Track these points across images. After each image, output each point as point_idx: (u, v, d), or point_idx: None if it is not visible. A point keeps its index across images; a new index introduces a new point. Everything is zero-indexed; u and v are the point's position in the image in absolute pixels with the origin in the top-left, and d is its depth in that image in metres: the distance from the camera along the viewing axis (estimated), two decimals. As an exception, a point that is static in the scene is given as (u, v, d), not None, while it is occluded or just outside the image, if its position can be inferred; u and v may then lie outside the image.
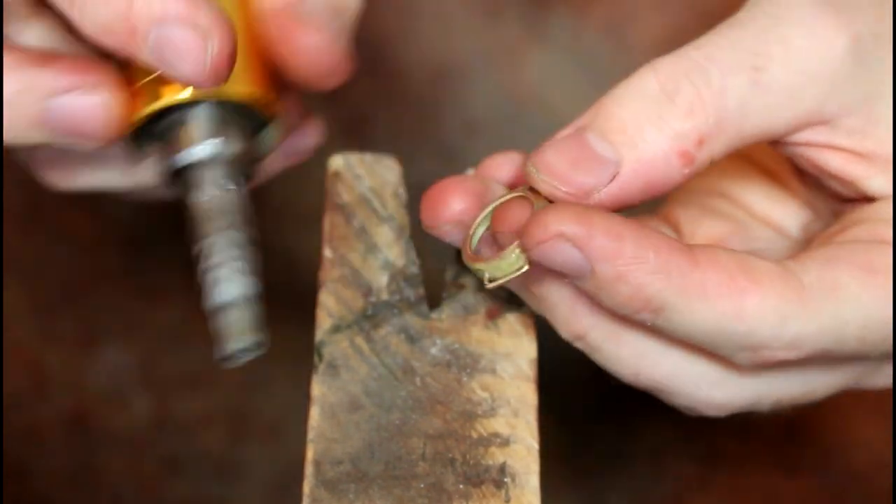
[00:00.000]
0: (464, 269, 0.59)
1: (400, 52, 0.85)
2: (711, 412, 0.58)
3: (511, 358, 0.59)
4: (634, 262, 0.52)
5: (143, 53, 0.53)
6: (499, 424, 0.57)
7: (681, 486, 0.92)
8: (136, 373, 0.93)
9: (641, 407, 0.92)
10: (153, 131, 0.56)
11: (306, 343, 0.60)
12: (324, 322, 0.59)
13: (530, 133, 0.56)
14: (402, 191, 0.62)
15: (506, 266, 0.53)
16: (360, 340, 0.59)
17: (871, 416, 0.91)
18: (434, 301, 0.60)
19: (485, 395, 0.58)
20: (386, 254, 0.61)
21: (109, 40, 0.53)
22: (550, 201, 0.54)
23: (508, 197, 0.55)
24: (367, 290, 0.60)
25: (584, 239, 0.51)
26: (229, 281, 0.53)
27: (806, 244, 0.59)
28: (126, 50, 0.53)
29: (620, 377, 0.57)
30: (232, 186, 0.55)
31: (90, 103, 0.54)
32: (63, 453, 0.92)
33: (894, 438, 0.89)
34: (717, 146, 0.53)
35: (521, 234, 0.52)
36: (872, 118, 0.55)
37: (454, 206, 0.56)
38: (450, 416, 0.57)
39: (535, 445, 0.57)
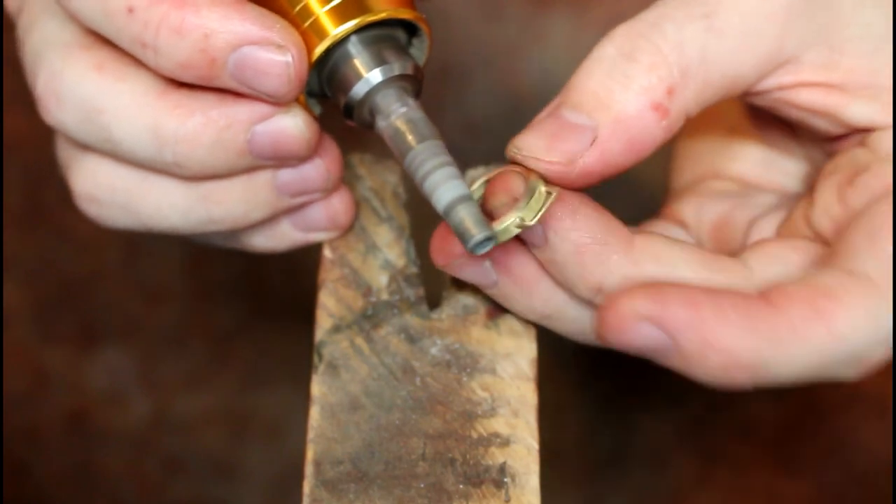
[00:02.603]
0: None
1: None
2: None
3: (511, 358, 0.59)
4: (717, 324, 0.52)
5: (223, 79, 0.54)
6: (499, 424, 0.57)
7: (681, 486, 0.92)
8: (136, 373, 0.93)
9: (641, 407, 0.92)
10: (319, 77, 0.57)
11: (306, 343, 0.60)
12: (324, 322, 0.59)
13: (530, 133, 0.56)
14: (402, 191, 0.62)
15: (499, 234, 0.54)
16: (360, 340, 0.59)
17: (872, 416, 0.91)
18: (434, 301, 0.60)
19: (485, 395, 0.58)
20: (386, 254, 0.61)
21: (188, 74, 0.54)
22: (542, 177, 0.55)
23: (500, 170, 0.56)
24: (367, 290, 0.60)
25: (660, 314, 0.52)
26: (446, 184, 0.54)
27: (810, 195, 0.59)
28: (204, 79, 0.54)
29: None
30: (412, 101, 0.56)
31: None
32: (63, 453, 0.92)
33: (894, 439, 0.89)
34: (688, 96, 0.54)
35: (597, 319, 0.53)
36: (835, 48, 0.56)
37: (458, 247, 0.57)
38: (450, 416, 0.57)
39: (535, 445, 0.57)
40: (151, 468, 0.93)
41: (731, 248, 0.61)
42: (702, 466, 0.92)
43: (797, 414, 0.91)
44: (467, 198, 0.54)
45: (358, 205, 0.62)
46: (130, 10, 0.54)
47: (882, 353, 0.54)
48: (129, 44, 0.55)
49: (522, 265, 0.57)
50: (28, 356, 0.92)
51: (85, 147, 0.58)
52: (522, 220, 0.54)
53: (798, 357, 0.53)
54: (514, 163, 0.56)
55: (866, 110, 0.56)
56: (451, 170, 0.54)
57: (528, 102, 0.88)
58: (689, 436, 0.92)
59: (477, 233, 0.53)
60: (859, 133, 0.57)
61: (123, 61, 0.56)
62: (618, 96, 0.54)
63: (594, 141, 0.54)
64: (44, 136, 0.62)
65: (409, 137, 0.55)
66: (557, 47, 0.88)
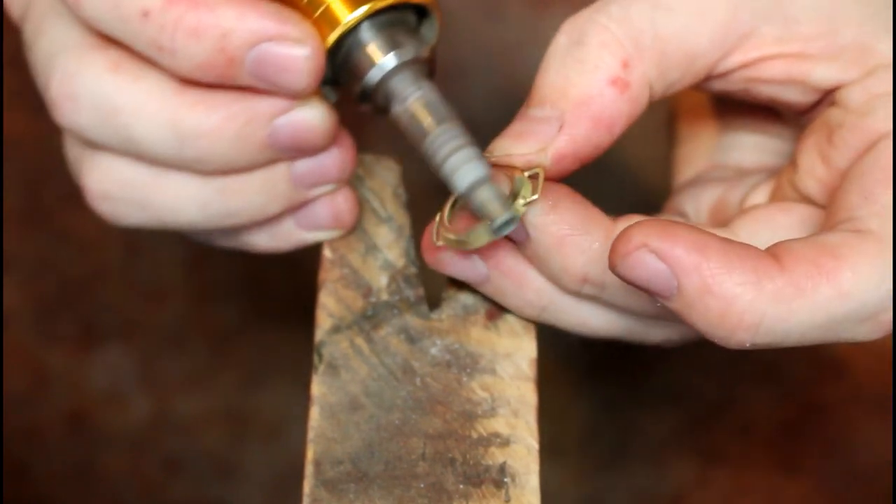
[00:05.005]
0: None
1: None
2: None
3: (511, 358, 0.59)
4: (721, 272, 0.52)
5: (241, 77, 0.54)
6: (499, 424, 0.57)
7: (681, 486, 0.92)
8: (136, 373, 0.93)
9: (642, 407, 0.92)
10: (332, 64, 0.57)
11: (306, 343, 0.60)
12: (324, 322, 0.59)
13: (530, 133, 0.56)
14: (401, 191, 0.62)
15: (485, 233, 0.54)
16: (360, 341, 0.59)
17: (872, 416, 0.91)
18: (434, 301, 0.60)
19: (485, 395, 0.58)
20: (386, 254, 0.61)
21: (206, 74, 0.54)
22: (525, 175, 0.55)
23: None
24: (367, 291, 0.60)
25: (667, 250, 0.52)
26: (465, 166, 0.54)
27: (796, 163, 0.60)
28: (222, 79, 0.54)
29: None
30: (427, 84, 0.56)
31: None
32: (63, 453, 0.92)
33: (894, 438, 0.89)
34: (647, 66, 0.55)
35: (610, 248, 0.53)
36: (790, 18, 0.56)
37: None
38: (450, 416, 0.57)
39: (535, 445, 0.57)
40: (151, 468, 0.93)
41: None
42: (702, 466, 0.92)
43: (797, 414, 0.91)
44: (488, 178, 0.54)
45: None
46: (146, 14, 0.53)
47: None
48: (145, 47, 0.54)
49: (512, 257, 0.57)
50: (28, 356, 0.92)
51: (99, 146, 0.58)
52: (524, 197, 0.54)
53: (803, 316, 0.53)
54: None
55: (829, 70, 0.57)
56: (471, 151, 0.54)
57: (527, 102, 0.88)
58: (689, 436, 0.92)
59: (500, 213, 0.54)
60: (829, 94, 0.58)
61: (139, 60, 0.55)
62: (574, 80, 0.55)
63: (561, 128, 0.55)
64: (44, 137, 0.62)
65: (426, 121, 0.55)
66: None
